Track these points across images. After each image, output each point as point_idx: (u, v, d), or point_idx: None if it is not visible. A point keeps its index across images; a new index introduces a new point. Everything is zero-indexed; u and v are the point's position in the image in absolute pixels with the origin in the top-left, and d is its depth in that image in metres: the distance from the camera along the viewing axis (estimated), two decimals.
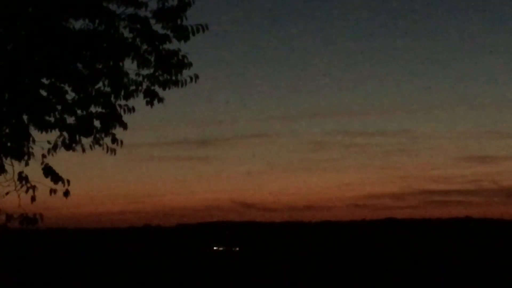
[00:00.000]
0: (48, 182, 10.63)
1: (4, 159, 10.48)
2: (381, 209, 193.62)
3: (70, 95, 10.57)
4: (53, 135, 10.68)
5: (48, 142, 10.73)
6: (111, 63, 10.61)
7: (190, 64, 10.85)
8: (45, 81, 10.42)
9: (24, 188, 10.60)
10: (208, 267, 52.54)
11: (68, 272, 47.06)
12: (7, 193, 10.58)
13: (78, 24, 10.30)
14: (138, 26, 10.55)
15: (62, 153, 10.81)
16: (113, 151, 10.93)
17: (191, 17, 10.68)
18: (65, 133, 10.73)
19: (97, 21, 10.25)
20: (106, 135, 10.85)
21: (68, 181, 10.69)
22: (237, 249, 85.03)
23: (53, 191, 10.67)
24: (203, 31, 10.70)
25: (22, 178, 10.62)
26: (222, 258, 68.64)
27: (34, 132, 10.53)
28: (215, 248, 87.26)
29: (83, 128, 10.71)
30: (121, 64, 10.68)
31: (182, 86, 10.93)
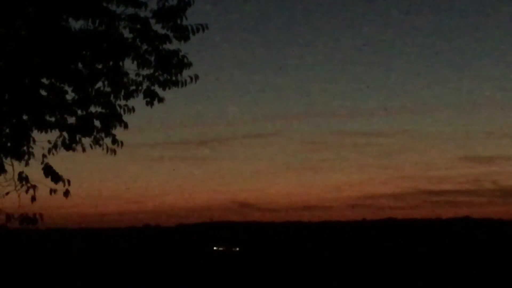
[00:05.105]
0: (48, 182, 10.64)
1: (4, 159, 10.48)
2: (381, 209, 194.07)
3: (70, 95, 10.58)
4: (53, 135, 10.69)
5: (49, 142, 10.73)
6: (111, 63, 10.60)
7: (190, 64, 10.84)
8: (45, 81, 10.42)
9: (24, 188, 10.60)
10: (208, 267, 52.52)
11: (68, 272, 47.03)
12: (7, 193, 10.58)
13: (78, 24, 10.31)
14: (138, 26, 10.54)
15: (62, 153, 10.82)
16: (113, 151, 10.93)
17: (191, 17, 10.69)
18: (65, 133, 10.74)
19: (97, 21, 10.24)
20: (106, 135, 10.85)
21: (68, 181, 10.70)
22: (237, 249, 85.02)
23: (53, 191, 10.66)
24: (203, 31, 10.68)
25: (22, 178, 10.61)
26: (222, 258, 68.60)
27: (34, 132, 10.54)
28: (215, 248, 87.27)
29: (83, 128, 10.71)
30: (121, 64, 10.68)
31: (182, 86, 10.92)
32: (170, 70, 10.80)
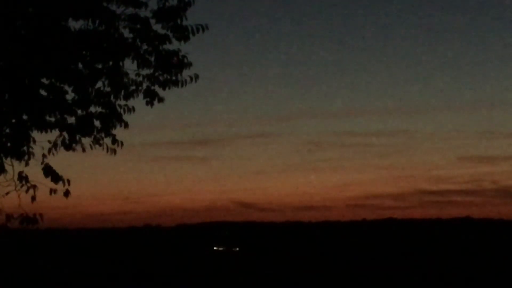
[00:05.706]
0: (48, 182, 10.65)
1: (4, 159, 10.49)
2: (381, 209, 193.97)
3: (70, 95, 10.59)
4: (53, 135, 10.70)
5: (49, 142, 10.74)
6: (111, 63, 10.62)
7: (190, 64, 10.86)
8: (45, 81, 10.43)
9: (24, 188, 10.60)
10: (208, 267, 52.55)
11: (68, 272, 47.05)
12: (7, 193, 10.59)
13: (78, 24, 10.32)
14: (138, 26, 10.55)
15: (62, 153, 10.83)
16: (113, 151, 10.94)
17: (191, 17, 10.70)
18: (65, 133, 10.74)
19: (97, 21, 10.24)
20: (106, 135, 10.86)
21: (68, 181, 10.71)
22: (237, 249, 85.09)
23: (53, 191, 10.67)
24: (203, 31, 10.70)
25: (22, 178, 10.62)
26: (222, 258, 68.62)
27: (34, 132, 10.55)
28: (215, 248, 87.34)
29: (83, 128, 10.71)
30: (121, 64, 10.69)
31: (182, 86, 10.94)
32: (170, 70, 10.82)
